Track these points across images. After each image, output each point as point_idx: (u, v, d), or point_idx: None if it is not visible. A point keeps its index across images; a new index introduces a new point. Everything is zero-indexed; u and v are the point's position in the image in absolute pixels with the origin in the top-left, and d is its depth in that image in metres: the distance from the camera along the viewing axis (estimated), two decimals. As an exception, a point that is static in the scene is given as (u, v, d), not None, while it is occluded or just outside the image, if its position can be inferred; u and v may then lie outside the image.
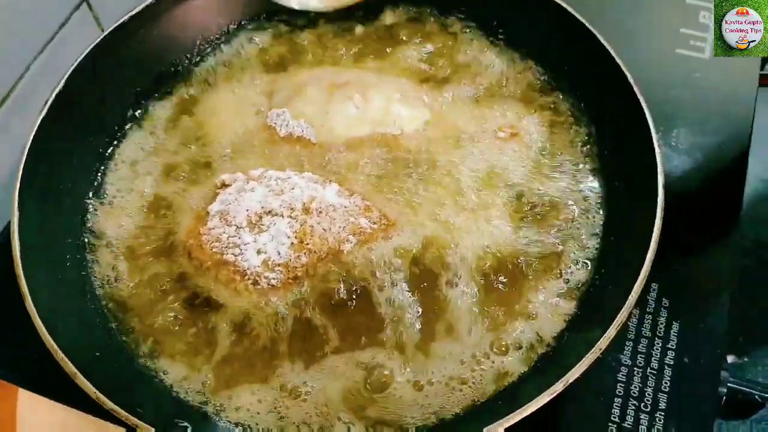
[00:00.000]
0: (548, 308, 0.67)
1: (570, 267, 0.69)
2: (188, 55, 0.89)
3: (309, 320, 0.67)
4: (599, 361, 0.67)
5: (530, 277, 0.69)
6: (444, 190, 0.74)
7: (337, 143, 0.78)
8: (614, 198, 0.72)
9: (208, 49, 0.90)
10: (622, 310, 0.57)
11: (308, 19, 0.92)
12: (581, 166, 0.76)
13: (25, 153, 0.70)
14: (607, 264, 0.68)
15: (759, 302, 0.80)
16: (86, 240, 0.74)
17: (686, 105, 0.89)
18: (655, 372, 0.69)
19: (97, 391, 0.57)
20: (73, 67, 0.76)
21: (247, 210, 0.70)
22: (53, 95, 0.73)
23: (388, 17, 0.92)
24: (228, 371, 0.65)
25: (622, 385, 0.68)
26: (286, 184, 0.72)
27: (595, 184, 0.75)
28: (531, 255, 0.70)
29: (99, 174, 0.79)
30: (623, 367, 0.69)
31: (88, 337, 0.66)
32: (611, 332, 0.56)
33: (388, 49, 0.89)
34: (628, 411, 0.67)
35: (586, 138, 0.78)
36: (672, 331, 0.71)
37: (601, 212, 0.73)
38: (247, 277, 0.68)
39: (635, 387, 0.68)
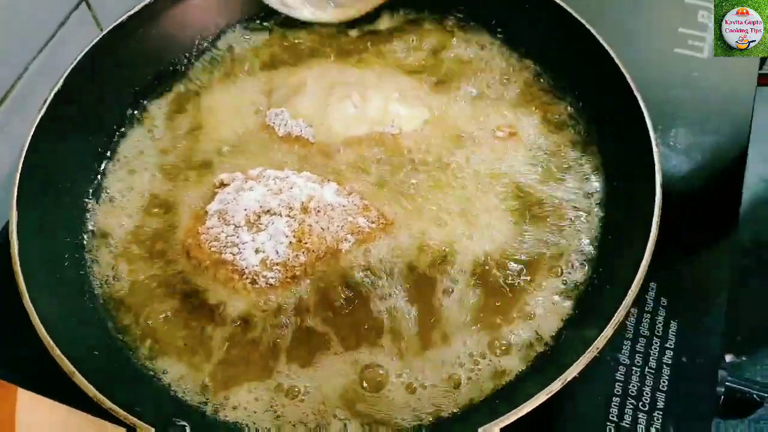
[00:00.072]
0: (547, 307, 0.67)
1: (568, 266, 0.69)
2: (187, 55, 0.89)
3: (307, 319, 0.67)
4: (597, 360, 0.67)
5: (529, 276, 0.69)
6: (442, 189, 0.75)
7: (336, 142, 0.78)
8: (612, 197, 0.73)
9: (207, 49, 0.90)
10: (620, 309, 0.57)
11: (307, 19, 0.92)
12: (579, 165, 0.76)
13: (24, 152, 0.70)
14: (606, 263, 0.68)
15: (757, 301, 0.80)
16: (85, 239, 0.74)
17: (685, 104, 0.89)
18: (653, 371, 0.69)
19: (95, 390, 0.57)
20: (71, 67, 0.76)
21: (246, 209, 0.70)
22: (52, 94, 0.73)
23: (387, 20, 0.92)
24: (226, 370, 0.65)
25: (621, 384, 0.68)
26: (284, 184, 0.72)
27: (594, 183, 0.75)
28: (529, 254, 0.70)
29: (98, 173, 0.79)
30: (621, 367, 0.69)
31: (87, 337, 0.66)
32: (609, 331, 0.57)
33: (386, 49, 0.89)
34: (626, 410, 0.67)
35: (585, 137, 0.78)
36: (670, 330, 0.71)
37: (599, 212, 0.73)
38: (245, 276, 0.68)
39: (633, 386, 0.68)
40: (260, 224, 0.69)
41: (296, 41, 0.91)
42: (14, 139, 0.71)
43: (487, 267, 0.70)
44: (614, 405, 0.67)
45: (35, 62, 0.86)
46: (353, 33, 0.91)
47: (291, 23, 0.91)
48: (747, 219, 0.82)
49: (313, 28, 0.91)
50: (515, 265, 0.70)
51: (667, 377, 0.68)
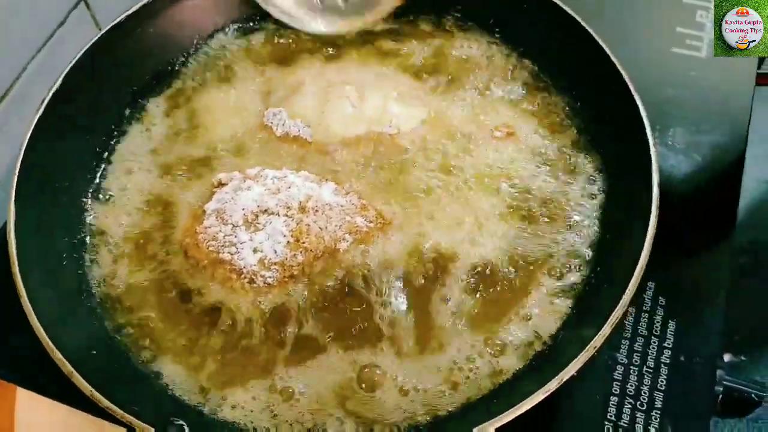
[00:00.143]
0: (545, 307, 0.67)
1: (566, 266, 0.69)
2: (185, 54, 0.88)
3: (304, 319, 0.67)
4: (595, 359, 0.67)
5: (527, 276, 0.69)
6: (440, 189, 0.75)
7: (334, 142, 0.78)
8: (610, 197, 0.73)
9: (205, 48, 0.90)
10: (617, 308, 0.57)
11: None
12: (577, 165, 0.76)
13: (22, 152, 0.70)
14: (604, 263, 0.68)
15: (756, 301, 0.80)
16: (83, 239, 0.74)
17: (683, 104, 0.89)
18: (651, 370, 0.69)
19: (92, 390, 0.57)
20: (70, 66, 0.76)
21: (244, 209, 0.70)
22: (50, 94, 0.73)
23: (384, 21, 0.91)
24: (224, 370, 0.65)
25: (619, 383, 0.68)
26: (282, 183, 0.72)
27: (591, 183, 0.75)
28: (527, 254, 0.70)
29: (96, 173, 0.79)
30: (619, 366, 0.69)
31: (85, 336, 0.66)
32: (606, 330, 0.57)
33: (384, 49, 0.89)
34: (624, 409, 0.67)
35: (583, 137, 0.78)
36: (668, 329, 0.71)
37: (596, 211, 0.73)
38: (243, 276, 0.68)
39: (631, 385, 0.68)
40: (258, 224, 0.69)
41: (294, 41, 0.90)
42: (13, 139, 0.71)
43: (485, 267, 0.70)
44: (612, 404, 0.67)
45: (34, 62, 0.86)
46: (351, 33, 0.91)
47: (289, 24, 0.91)
48: (745, 219, 0.82)
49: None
50: (513, 266, 0.70)
51: (665, 376, 0.68)
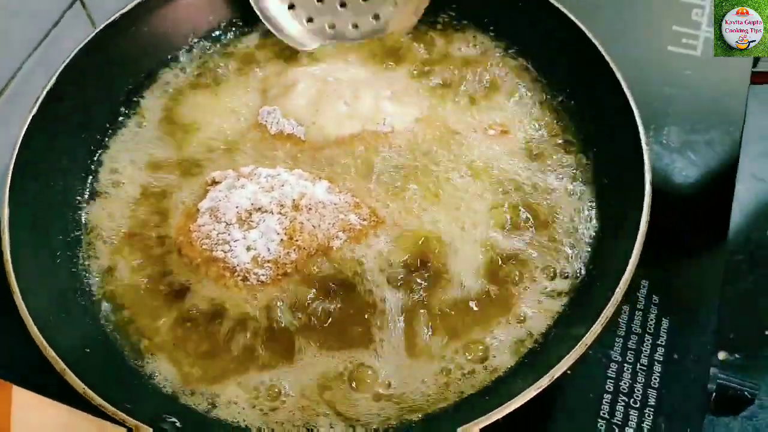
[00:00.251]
0: (537, 305, 0.67)
1: (558, 264, 0.69)
2: (179, 53, 0.89)
3: (297, 317, 0.67)
4: (589, 357, 0.67)
5: (520, 274, 0.69)
6: (434, 187, 0.75)
7: (328, 140, 0.78)
8: (603, 195, 0.73)
9: (199, 47, 0.90)
10: (608, 305, 0.57)
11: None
12: (571, 163, 0.76)
13: (16, 149, 0.70)
14: (596, 260, 0.68)
15: (750, 299, 0.80)
16: (77, 237, 0.74)
17: (678, 103, 0.89)
18: (644, 368, 0.69)
19: (85, 387, 0.57)
20: (64, 65, 0.76)
21: (237, 207, 0.70)
22: (44, 92, 0.74)
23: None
24: (217, 367, 0.65)
25: (612, 381, 0.68)
26: (276, 181, 0.72)
27: (584, 181, 0.75)
28: (521, 252, 0.70)
29: (90, 171, 0.79)
30: (613, 364, 0.69)
31: (79, 334, 0.66)
32: (597, 327, 0.56)
33: (377, 48, 0.89)
34: (618, 407, 0.67)
35: (576, 135, 0.78)
36: (662, 327, 0.71)
37: (589, 208, 0.72)
38: (236, 274, 0.68)
39: (625, 383, 0.68)
40: (252, 222, 0.69)
41: (289, 40, 0.91)
42: (8, 138, 0.72)
43: (479, 265, 0.70)
44: (605, 402, 0.67)
45: (30, 60, 0.86)
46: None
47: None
48: (739, 217, 0.82)
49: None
50: (506, 264, 0.70)
51: (658, 374, 0.68)
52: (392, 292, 0.68)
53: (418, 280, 0.68)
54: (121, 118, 0.83)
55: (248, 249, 0.68)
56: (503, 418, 0.54)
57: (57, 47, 0.89)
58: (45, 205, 0.73)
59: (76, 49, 0.77)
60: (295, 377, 0.64)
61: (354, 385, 0.64)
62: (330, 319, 0.67)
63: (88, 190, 0.78)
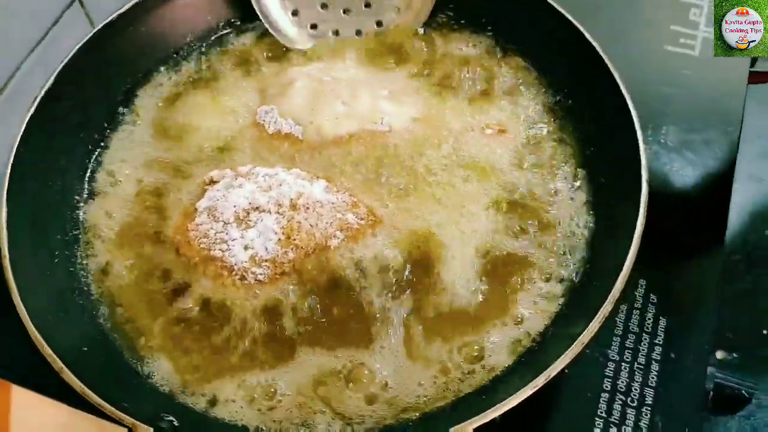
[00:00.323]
0: (534, 304, 0.67)
1: (555, 263, 0.69)
2: (177, 53, 0.89)
3: (295, 316, 0.67)
4: (587, 356, 0.67)
5: (517, 273, 0.69)
6: (431, 186, 0.75)
7: (325, 140, 0.78)
8: (600, 194, 0.73)
9: (197, 47, 0.90)
10: (605, 303, 0.57)
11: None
12: (568, 162, 0.76)
13: (14, 149, 0.70)
14: (593, 259, 0.68)
15: (748, 298, 0.80)
16: (75, 236, 0.74)
17: (676, 102, 0.89)
18: (642, 367, 0.69)
19: (83, 386, 0.57)
20: (62, 65, 0.76)
21: (235, 206, 0.70)
22: (42, 92, 0.74)
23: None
24: (215, 366, 0.66)
25: (609, 380, 0.68)
26: (273, 181, 0.72)
27: (582, 180, 0.75)
28: (518, 252, 0.70)
29: (88, 170, 0.79)
30: (610, 363, 0.69)
31: (77, 333, 0.66)
32: (594, 326, 0.57)
33: (376, 47, 0.89)
34: (615, 406, 0.67)
35: (574, 135, 0.78)
36: (659, 326, 0.71)
37: (587, 208, 0.73)
38: (234, 273, 0.68)
39: (622, 382, 0.68)
40: (249, 221, 0.70)
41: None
42: (7, 137, 0.72)
43: (476, 265, 0.70)
44: (603, 401, 0.67)
45: (29, 60, 0.86)
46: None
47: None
48: (737, 217, 0.82)
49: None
50: (503, 263, 0.70)
51: (656, 373, 0.68)
52: (390, 291, 0.68)
53: (416, 280, 0.68)
54: (119, 118, 0.84)
55: (246, 248, 0.68)
56: (501, 417, 0.54)
57: (55, 47, 0.89)
58: (43, 204, 0.73)
59: (75, 49, 0.77)
60: (293, 376, 0.64)
61: (350, 384, 0.64)
62: (327, 318, 0.67)
63: (86, 189, 0.78)
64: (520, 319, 0.66)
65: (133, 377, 0.66)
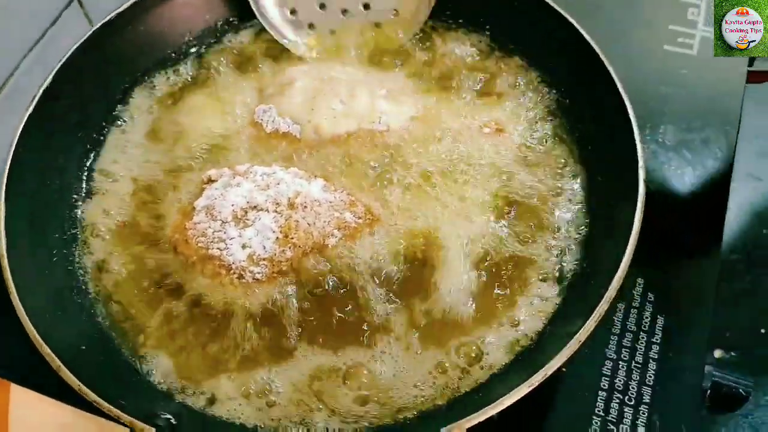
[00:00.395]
0: (531, 304, 0.67)
1: (553, 262, 0.69)
2: (175, 51, 0.89)
3: (292, 314, 0.67)
4: (584, 355, 0.67)
5: (515, 273, 0.69)
6: (429, 186, 0.75)
7: (323, 139, 0.78)
8: (597, 193, 0.73)
9: (196, 46, 0.90)
10: (602, 302, 0.57)
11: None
12: (565, 161, 0.76)
13: (13, 147, 0.70)
14: (590, 258, 0.68)
15: (745, 298, 0.80)
16: (74, 235, 0.75)
17: (674, 102, 0.89)
18: (639, 366, 0.69)
19: (80, 384, 0.57)
20: (60, 64, 0.76)
21: (233, 205, 0.70)
22: (40, 91, 0.74)
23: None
24: (213, 365, 0.66)
25: (607, 378, 0.68)
26: (271, 180, 0.72)
27: (579, 179, 0.75)
28: (515, 250, 0.70)
29: (86, 169, 0.80)
30: (608, 361, 0.69)
31: (75, 332, 0.67)
32: (591, 324, 0.57)
33: (373, 46, 0.89)
34: (613, 404, 0.67)
35: (571, 134, 0.78)
36: (657, 325, 0.71)
37: (584, 207, 0.73)
38: (232, 272, 0.68)
39: (620, 381, 0.68)
40: (247, 220, 0.70)
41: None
42: (5, 136, 0.72)
43: (473, 264, 0.70)
44: (600, 399, 0.67)
45: (27, 59, 0.86)
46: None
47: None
48: (735, 216, 0.82)
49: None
50: (501, 263, 0.70)
51: (653, 372, 0.68)
52: (387, 290, 0.68)
53: (413, 279, 0.69)
54: (117, 117, 0.84)
55: (244, 247, 0.68)
56: (499, 415, 0.54)
57: (54, 46, 0.89)
58: (41, 203, 0.73)
59: (73, 48, 0.78)
60: (290, 374, 0.65)
61: (348, 381, 0.64)
62: (325, 316, 0.67)
63: (84, 188, 0.78)
64: (517, 320, 0.66)
65: (132, 375, 0.66)
